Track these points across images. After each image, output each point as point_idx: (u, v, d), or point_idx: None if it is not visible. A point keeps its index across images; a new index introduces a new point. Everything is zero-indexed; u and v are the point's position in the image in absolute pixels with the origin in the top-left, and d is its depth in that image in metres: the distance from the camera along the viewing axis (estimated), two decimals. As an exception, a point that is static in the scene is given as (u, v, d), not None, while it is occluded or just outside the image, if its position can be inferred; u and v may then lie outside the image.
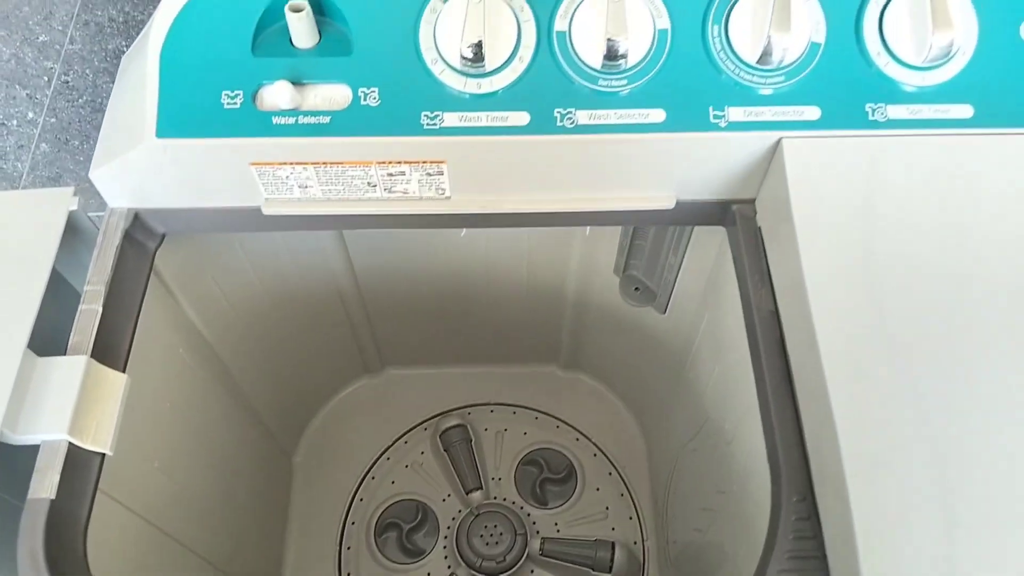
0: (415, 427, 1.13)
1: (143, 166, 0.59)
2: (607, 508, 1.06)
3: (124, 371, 0.59)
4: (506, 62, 0.57)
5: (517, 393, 1.15)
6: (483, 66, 0.56)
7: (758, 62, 0.56)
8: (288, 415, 1.09)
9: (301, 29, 0.57)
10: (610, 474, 1.09)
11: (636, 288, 0.90)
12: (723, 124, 0.56)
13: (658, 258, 0.83)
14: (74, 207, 0.61)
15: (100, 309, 0.58)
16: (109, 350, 0.58)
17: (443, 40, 0.56)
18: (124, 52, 0.77)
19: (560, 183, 0.61)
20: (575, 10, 0.57)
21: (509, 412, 1.14)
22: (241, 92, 0.57)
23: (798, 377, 0.54)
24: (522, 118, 0.57)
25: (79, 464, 0.54)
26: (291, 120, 0.57)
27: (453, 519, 1.06)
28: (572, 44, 0.57)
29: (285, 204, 0.63)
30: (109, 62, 1.61)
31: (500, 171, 0.60)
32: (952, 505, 0.46)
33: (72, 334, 0.57)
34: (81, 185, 0.62)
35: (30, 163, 1.57)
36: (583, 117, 0.57)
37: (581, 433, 1.12)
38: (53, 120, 1.61)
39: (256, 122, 0.57)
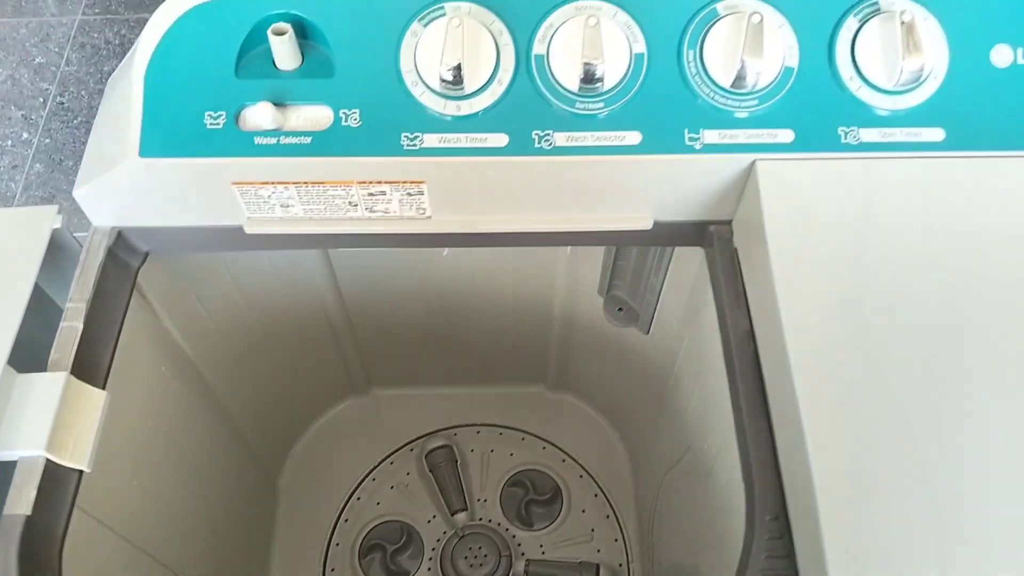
0: (401, 448, 1.13)
1: (126, 185, 0.59)
2: (593, 530, 1.06)
3: (104, 388, 0.59)
4: (485, 85, 0.58)
5: (504, 414, 1.15)
6: (462, 88, 0.57)
7: (732, 86, 0.57)
8: (273, 435, 1.09)
9: (284, 52, 0.58)
10: (596, 496, 1.09)
11: (620, 308, 0.90)
12: (698, 146, 0.57)
13: (641, 278, 0.83)
14: (57, 225, 0.61)
15: (81, 326, 0.58)
16: (89, 367, 0.59)
17: (423, 63, 0.57)
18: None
19: (539, 204, 0.62)
20: (553, 34, 0.58)
21: (496, 433, 1.14)
22: (224, 113, 0.58)
23: (772, 396, 0.55)
24: (501, 139, 0.58)
25: (56, 480, 0.54)
26: (273, 140, 0.58)
27: (438, 541, 1.05)
28: (550, 67, 0.58)
29: (267, 223, 0.63)
30: (104, 84, 1.62)
31: (479, 191, 0.61)
32: (923, 524, 0.46)
33: (53, 351, 0.58)
34: (73, 205, 0.63)
35: (24, 183, 1.58)
36: (561, 139, 0.58)
37: (567, 454, 1.12)
38: (48, 141, 1.63)
39: (238, 142, 0.58)
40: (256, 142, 0.58)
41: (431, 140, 0.58)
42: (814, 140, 0.57)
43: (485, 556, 1.03)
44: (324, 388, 1.13)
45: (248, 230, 0.63)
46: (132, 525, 0.69)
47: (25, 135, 1.64)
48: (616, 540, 1.05)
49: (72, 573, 0.54)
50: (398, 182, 0.60)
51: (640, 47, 0.58)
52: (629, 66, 0.58)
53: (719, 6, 0.58)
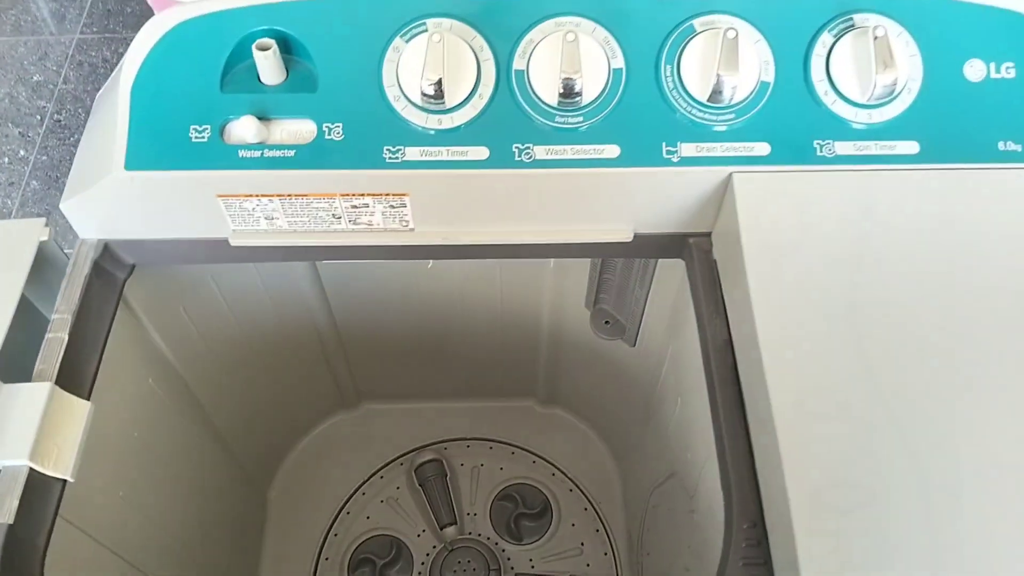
0: (391, 462, 1.13)
1: (112, 198, 0.60)
2: (582, 544, 1.06)
3: (89, 399, 0.59)
4: (466, 99, 0.59)
5: (494, 428, 1.15)
6: (443, 103, 0.58)
7: (709, 100, 0.58)
8: (262, 448, 1.09)
9: (268, 67, 0.59)
10: (586, 510, 1.09)
11: (607, 322, 0.91)
12: (676, 159, 0.58)
13: (626, 292, 0.84)
14: (45, 237, 0.62)
15: (66, 337, 0.59)
16: (74, 378, 0.59)
17: (405, 77, 0.58)
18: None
19: (520, 216, 0.63)
20: (533, 50, 0.59)
21: (486, 447, 1.14)
22: (209, 127, 0.59)
23: (749, 405, 0.55)
24: (481, 153, 0.59)
25: (40, 490, 0.54)
26: (257, 154, 0.59)
27: (428, 555, 1.05)
28: (530, 82, 0.59)
29: (252, 236, 0.64)
30: (101, 101, 1.64)
31: (461, 204, 0.62)
32: (898, 533, 0.46)
33: (38, 361, 0.58)
34: (68, 221, 0.64)
35: (20, 200, 1.59)
36: (541, 152, 0.59)
37: (557, 468, 1.12)
38: (44, 158, 1.64)
39: (223, 155, 0.58)
40: (240, 155, 0.58)
41: (413, 153, 0.59)
42: (790, 153, 0.58)
43: (474, 570, 1.03)
44: (314, 401, 1.13)
45: (233, 242, 0.64)
46: (116, 536, 0.69)
47: (22, 152, 1.65)
48: (606, 554, 1.05)
49: (55, 583, 0.54)
50: (381, 195, 0.61)
51: (618, 62, 0.59)
52: (608, 81, 0.59)
53: (696, 22, 0.59)
